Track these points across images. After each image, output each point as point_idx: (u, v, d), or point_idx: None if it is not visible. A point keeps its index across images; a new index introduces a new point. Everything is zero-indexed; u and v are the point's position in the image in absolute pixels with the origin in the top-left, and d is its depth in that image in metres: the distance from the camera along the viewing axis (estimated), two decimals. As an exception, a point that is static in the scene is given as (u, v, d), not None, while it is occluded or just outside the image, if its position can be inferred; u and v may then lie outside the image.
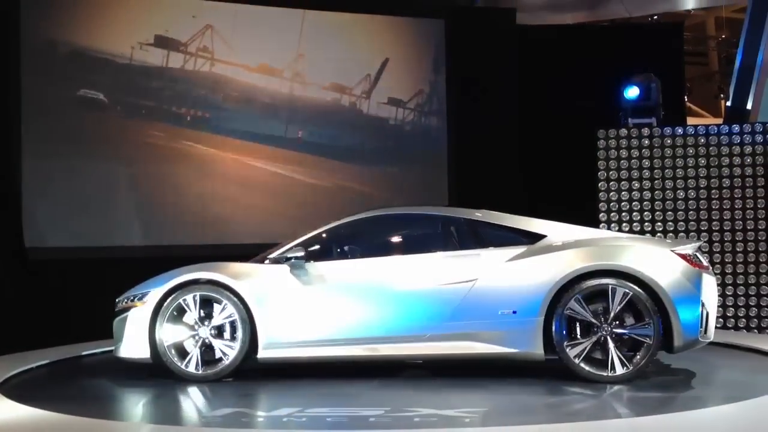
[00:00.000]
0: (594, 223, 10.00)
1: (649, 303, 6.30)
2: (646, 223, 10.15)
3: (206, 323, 6.81)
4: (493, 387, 6.44)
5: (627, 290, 6.33)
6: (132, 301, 7.02)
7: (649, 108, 10.43)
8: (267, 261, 7.05)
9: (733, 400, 5.70)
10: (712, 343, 7.26)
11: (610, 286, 6.36)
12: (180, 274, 6.91)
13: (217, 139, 11.33)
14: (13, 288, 9.77)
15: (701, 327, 6.41)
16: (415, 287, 6.75)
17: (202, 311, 6.80)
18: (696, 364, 7.05)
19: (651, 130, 10.28)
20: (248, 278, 6.86)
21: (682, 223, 10.09)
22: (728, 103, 13.71)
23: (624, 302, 6.34)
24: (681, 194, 10.12)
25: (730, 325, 9.86)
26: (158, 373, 6.94)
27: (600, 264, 6.44)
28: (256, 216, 11.45)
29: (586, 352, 6.36)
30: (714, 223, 10.03)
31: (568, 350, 6.38)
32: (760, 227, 9.92)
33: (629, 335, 6.35)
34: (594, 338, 6.35)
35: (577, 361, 6.36)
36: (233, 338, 6.77)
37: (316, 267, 6.88)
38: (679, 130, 10.27)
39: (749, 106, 12.79)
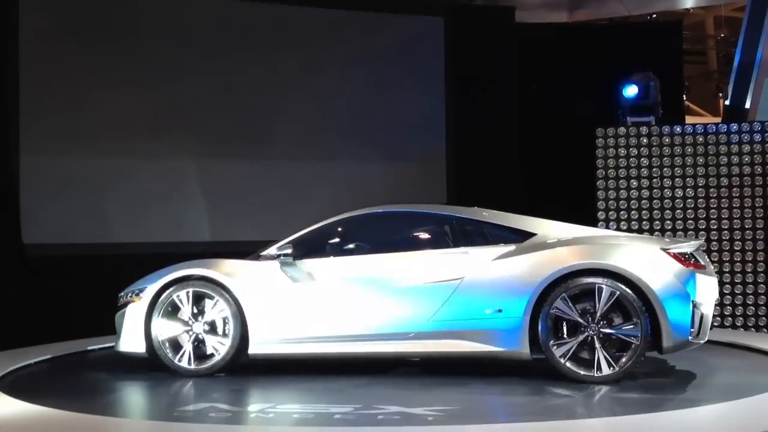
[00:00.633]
0: (593, 221, 10.00)
1: (636, 302, 6.21)
2: (645, 222, 10.15)
3: (200, 319, 6.94)
4: (476, 386, 6.43)
5: (614, 289, 6.25)
6: (130, 296, 7.18)
7: (647, 107, 10.41)
8: (259, 258, 7.15)
9: (729, 399, 5.71)
10: (710, 342, 7.26)
11: (596, 285, 6.28)
12: (174, 271, 7.06)
13: (216, 136, 11.31)
14: (11, 285, 9.76)
15: (693, 327, 6.31)
16: (400, 285, 6.76)
17: (195, 307, 6.94)
18: (693, 363, 7.04)
19: (650, 129, 10.27)
20: (239, 275, 6.96)
21: (680, 221, 10.08)
22: (727, 102, 13.73)
23: (611, 302, 6.24)
24: (679, 193, 10.12)
25: (728, 324, 9.86)
26: (154, 368, 7.03)
27: (587, 263, 6.37)
28: (255, 213, 11.43)
29: (572, 351, 6.29)
30: (712, 221, 10.02)
31: (554, 350, 6.32)
32: (758, 226, 9.92)
33: (617, 335, 6.26)
34: (581, 338, 6.28)
35: (562, 360, 6.29)
36: (225, 334, 6.89)
37: (304, 264, 6.95)
38: (678, 129, 10.26)
39: (748, 104, 12.81)
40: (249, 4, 11.62)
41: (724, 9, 22.11)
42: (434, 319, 6.63)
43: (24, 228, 10.17)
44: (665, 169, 10.18)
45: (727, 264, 9.94)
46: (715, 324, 8.79)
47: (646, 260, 6.36)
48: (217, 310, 6.89)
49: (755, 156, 10.01)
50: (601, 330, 6.26)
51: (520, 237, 6.80)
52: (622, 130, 10.32)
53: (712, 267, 7.06)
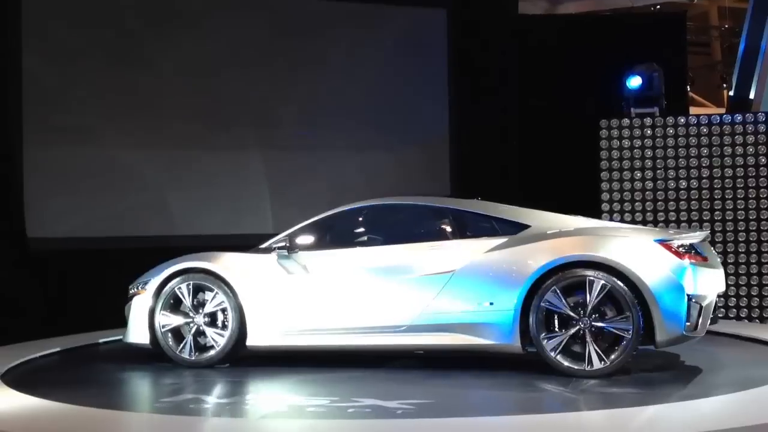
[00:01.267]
0: (597, 213, 9.98)
1: (628, 295, 6.10)
2: (649, 214, 10.13)
3: (200, 311, 7.07)
4: (464, 380, 6.43)
5: (605, 282, 6.14)
6: (137, 288, 7.35)
7: (651, 98, 10.39)
8: (259, 251, 7.24)
9: (735, 390, 5.70)
10: (716, 334, 7.27)
11: (587, 278, 6.18)
12: (176, 263, 7.21)
13: (219, 128, 11.29)
14: (15, 279, 9.76)
15: (689, 321, 6.17)
16: (392, 278, 6.77)
17: (196, 299, 7.09)
18: (698, 354, 7.02)
19: (654, 120, 10.25)
20: (238, 268, 7.07)
21: (685, 213, 10.06)
22: (731, 93, 13.71)
23: (602, 294, 6.14)
24: (683, 184, 10.10)
25: (732, 315, 9.85)
26: (159, 360, 7.18)
27: (577, 255, 6.27)
28: (259, 204, 11.42)
29: (563, 345, 6.21)
30: (716, 212, 10.00)
31: (544, 343, 6.24)
32: (762, 217, 9.89)
33: (609, 329, 6.17)
34: (572, 331, 6.19)
35: (553, 354, 6.22)
36: (224, 326, 7.01)
37: (299, 257, 7.02)
38: (682, 120, 10.24)
39: (752, 95, 12.78)
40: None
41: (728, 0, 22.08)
42: (425, 312, 6.62)
43: (28, 222, 10.17)
44: (669, 160, 10.16)
45: (732, 255, 9.92)
46: (721, 315, 8.75)
47: (639, 252, 6.24)
48: (216, 302, 7.02)
49: (760, 146, 9.98)
50: (593, 323, 6.16)
51: (513, 229, 6.74)
52: (626, 121, 10.30)
53: (718, 259, 6.93)
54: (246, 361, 7.16)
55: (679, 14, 15.55)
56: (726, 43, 23.39)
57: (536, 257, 6.35)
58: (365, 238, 7.19)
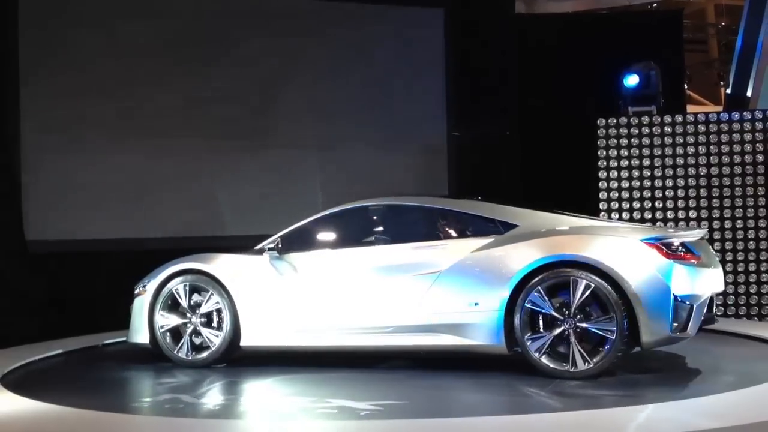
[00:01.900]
0: (595, 212, 9.99)
1: (612, 296, 6.02)
2: (647, 212, 10.13)
3: (197, 311, 7.20)
4: (446, 381, 6.41)
5: (588, 282, 6.07)
6: (140, 289, 7.49)
7: (648, 96, 10.38)
8: (253, 253, 7.34)
9: (735, 388, 5.70)
10: (715, 332, 7.26)
11: (571, 278, 6.12)
12: (173, 265, 7.36)
13: (215, 130, 11.28)
14: (14, 282, 9.75)
15: (676, 321, 6.06)
16: (379, 279, 6.79)
17: (192, 300, 7.21)
18: (698, 352, 7.02)
19: (651, 118, 10.25)
20: (232, 269, 7.19)
21: (682, 211, 10.06)
22: (728, 91, 13.71)
23: (586, 295, 6.07)
24: (681, 182, 10.10)
25: (730, 313, 9.85)
26: (159, 360, 7.30)
27: (560, 255, 6.20)
28: (257, 206, 11.41)
29: (547, 346, 6.15)
30: (714, 210, 10.00)
31: (528, 344, 6.19)
32: (760, 215, 9.89)
33: (593, 329, 6.09)
34: (556, 332, 6.13)
35: (537, 355, 6.17)
36: (219, 327, 7.12)
37: (290, 258, 7.09)
38: (679, 118, 10.24)
39: (749, 93, 12.79)
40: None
41: (725, -3, 22.08)
42: (412, 312, 6.62)
43: (26, 224, 10.16)
44: (667, 158, 10.16)
45: (730, 253, 9.92)
46: (719, 314, 8.75)
47: (623, 252, 6.15)
48: (211, 302, 7.15)
49: (757, 144, 9.98)
50: (578, 324, 6.10)
51: (501, 228, 6.69)
52: (623, 119, 10.30)
53: (716, 258, 6.85)
54: (241, 361, 7.23)
55: (676, 12, 15.56)
56: (723, 40, 23.39)
57: (521, 257, 6.31)
58: (354, 239, 7.20)
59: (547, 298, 6.18)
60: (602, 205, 10.22)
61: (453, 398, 6.00)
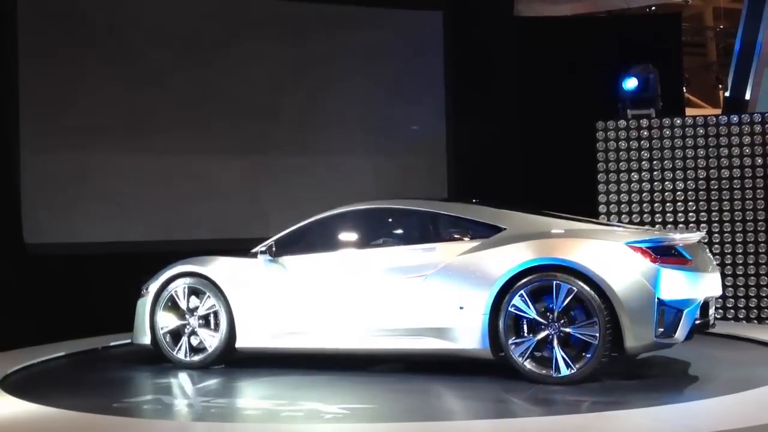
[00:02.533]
0: (593, 214, 9.98)
1: (595, 300, 5.93)
2: (646, 215, 10.14)
3: (195, 313, 7.30)
4: (427, 385, 6.36)
5: (571, 286, 5.99)
6: (143, 290, 7.58)
7: (647, 99, 10.40)
8: (249, 256, 7.40)
9: (733, 391, 5.68)
10: (712, 335, 7.24)
11: (554, 282, 6.04)
12: (173, 267, 7.46)
13: (215, 133, 11.29)
14: (12, 283, 9.74)
15: (662, 327, 5.95)
16: (367, 282, 6.81)
17: (191, 302, 7.30)
18: (695, 355, 7.00)
19: (650, 121, 10.26)
20: (228, 271, 7.27)
21: (681, 214, 10.07)
22: (726, 94, 13.73)
23: (569, 299, 5.99)
24: (680, 185, 10.11)
25: (730, 316, 9.86)
26: (159, 361, 7.41)
27: (542, 259, 6.12)
28: (256, 209, 11.43)
29: (530, 351, 6.08)
30: (713, 213, 10.00)
31: (512, 348, 6.14)
32: (759, 217, 9.90)
33: (576, 334, 6.00)
34: (539, 336, 6.06)
35: (521, 360, 6.10)
36: (216, 328, 7.21)
37: (283, 261, 7.15)
38: (678, 121, 10.25)
39: (748, 96, 12.81)
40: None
41: (723, 0, 22.07)
42: (398, 316, 6.62)
43: (25, 227, 10.15)
44: (666, 161, 10.17)
45: (729, 256, 9.93)
46: (718, 317, 8.76)
47: (606, 255, 6.04)
48: (208, 305, 7.26)
49: (756, 147, 9.99)
50: (561, 329, 6.03)
51: (488, 231, 6.63)
52: (622, 122, 10.31)
53: (714, 262, 6.76)
54: (239, 362, 7.28)
55: (675, 15, 15.56)
56: (721, 43, 23.42)
57: (504, 261, 6.25)
58: (343, 242, 7.21)
59: (530, 302, 6.12)
60: (602, 208, 10.22)
61: (425, 402, 5.93)
